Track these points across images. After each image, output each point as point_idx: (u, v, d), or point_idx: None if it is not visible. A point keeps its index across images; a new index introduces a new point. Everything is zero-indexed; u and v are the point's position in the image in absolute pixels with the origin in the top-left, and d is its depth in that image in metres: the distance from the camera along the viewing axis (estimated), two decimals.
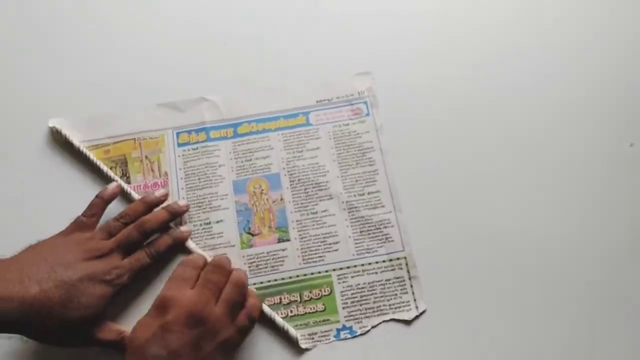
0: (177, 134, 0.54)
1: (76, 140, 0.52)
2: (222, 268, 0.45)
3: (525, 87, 0.56)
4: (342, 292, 0.48)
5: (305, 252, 0.50)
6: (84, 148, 0.52)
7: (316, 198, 0.52)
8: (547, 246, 0.50)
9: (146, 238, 0.47)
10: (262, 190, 0.52)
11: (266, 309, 0.47)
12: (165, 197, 0.50)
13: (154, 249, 0.47)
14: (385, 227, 0.50)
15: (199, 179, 0.52)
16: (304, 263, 0.49)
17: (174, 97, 0.55)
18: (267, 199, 0.52)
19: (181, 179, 0.52)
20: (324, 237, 0.50)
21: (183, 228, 0.49)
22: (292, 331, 0.46)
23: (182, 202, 0.51)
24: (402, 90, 0.56)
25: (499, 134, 0.54)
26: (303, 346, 0.46)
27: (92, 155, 0.52)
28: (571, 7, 0.61)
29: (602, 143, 0.54)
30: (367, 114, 0.54)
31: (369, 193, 0.52)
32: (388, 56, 0.57)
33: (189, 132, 0.54)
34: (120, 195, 0.50)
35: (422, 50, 0.58)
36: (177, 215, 0.50)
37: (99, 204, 0.48)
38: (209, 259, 0.47)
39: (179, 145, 0.53)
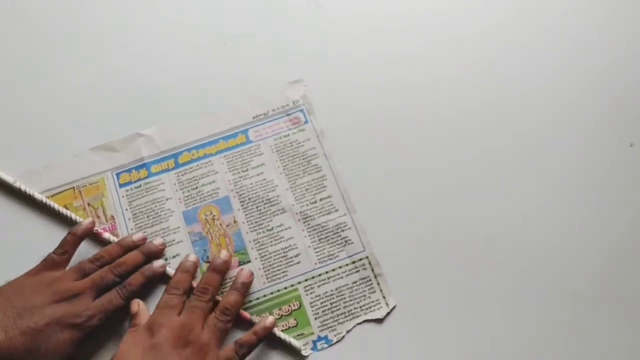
0: (117, 174, 0.52)
1: (37, 193, 0.50)
2: (207, 293, 0.45)
3: (524, 87, 0.56)
4: (311, 303, 0.48)
5: (268, 270, 0.49)
6: (45, 199, 0.50)
7: (269, 214, 0.51)
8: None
9: (121, 281, 0.46)
10: (214, 216, 0.51)
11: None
12: (142, 241, 0.49)
13: (126, 289, 0.45)
14: (342, 231, 0.50)
15: (147, 216, 0.51)
16: (268, 282, 0.49)
17: (107, 138, 0.53)
18: (220, 224, 0.51)
19: (129, 219, 0.51)
20: (284, 252, 0.50)
21: (156, 263, 0.47)
22: (295, 342, 0.46)
23: (157, 241, 0.49)
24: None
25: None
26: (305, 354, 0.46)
27: (55, 204, 0.50)
28: (571, 7, 0.60)
29: (602, 143, 0.54)
30: (306, 122, 0.54)
31: (320, 200, 0.51)
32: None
33: (129, 170, 0.52)
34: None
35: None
36: (153, 257, 0.48)
37: (72, 241, 0.46)
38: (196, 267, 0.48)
39: (121, 185, 0.52)
